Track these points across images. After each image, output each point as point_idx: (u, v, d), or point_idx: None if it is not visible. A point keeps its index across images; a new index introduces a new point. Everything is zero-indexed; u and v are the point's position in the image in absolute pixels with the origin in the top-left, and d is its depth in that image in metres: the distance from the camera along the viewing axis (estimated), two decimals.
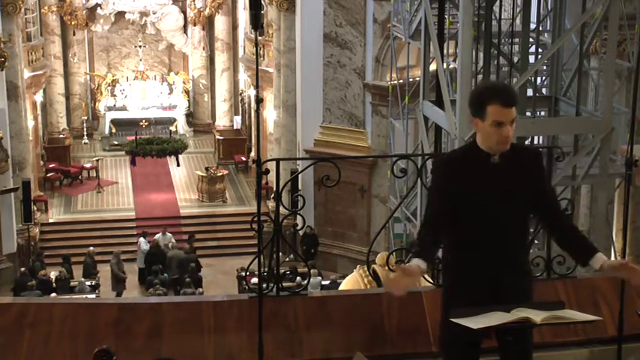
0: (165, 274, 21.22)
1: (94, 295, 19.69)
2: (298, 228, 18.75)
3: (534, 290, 4.43)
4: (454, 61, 14.64)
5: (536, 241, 6.96)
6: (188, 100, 34.65)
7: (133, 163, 28.87)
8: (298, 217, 5.52)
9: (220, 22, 33.58)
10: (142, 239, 22.98)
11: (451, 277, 4.37)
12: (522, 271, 4.30)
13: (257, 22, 4.68)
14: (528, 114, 14.39)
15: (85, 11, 32.48)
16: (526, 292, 4.30)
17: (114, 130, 33.30)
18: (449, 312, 4.26)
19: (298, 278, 13.65)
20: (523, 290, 4.28)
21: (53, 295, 18.85)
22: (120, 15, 33.54)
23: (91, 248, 22.59)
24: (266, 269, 5.27)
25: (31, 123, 26.53)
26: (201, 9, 33.17)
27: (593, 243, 4.28)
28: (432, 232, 4.23)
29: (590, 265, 4.15)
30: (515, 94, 4.18)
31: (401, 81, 18.62)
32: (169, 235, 23.77)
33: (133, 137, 29.36)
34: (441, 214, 4.20)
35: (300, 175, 19.93)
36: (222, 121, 34.18)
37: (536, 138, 14.88)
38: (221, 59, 33.92)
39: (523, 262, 4.32)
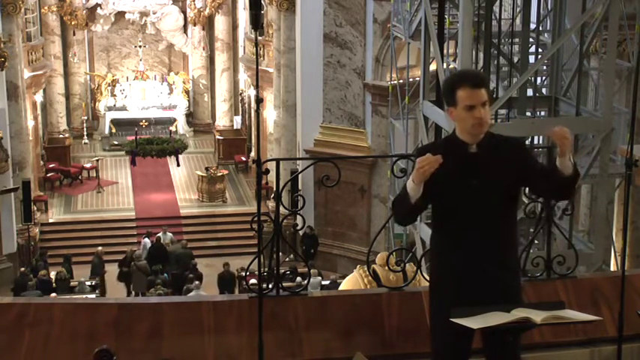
0: (166, 274, 21.22)
1: (94, 295, 19.69)
2: (298, 228, 18.76)
3: (522, 284, 4.44)
4: (454, 61, 14.64)
5: (536, 241, 6.95)
6: (188, 100, 34.67)
7: (133, 163, 28.88)
8: (298, 217, 5.52)
9: (220, 22, 33.58)
10: (146, 239, 22.99)
11: (436, 270, 4.39)
12: (508, 264, 4.28)
13: (257, 22, 4.67)
14: (528, 114, 14.39)
15: (85, 11, 32.48)
16: (513, 284, 4.30)
17: (114, 130, 33.32)
18: (437, 308, 4.30)
19: (298, 278, 13.65)
20: (509, 283, 4.27)
21: (53, 295, 18.85)
22: (120, 15, 33.55)
23: (100, 248, 22.51)
24: (266, 269, 5.27)
25: (31, 123, 26.54)
26: (201, 9, 33.17)
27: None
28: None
29: (560, 169, 4.09)
30: (484, 76, 4.29)
31: (401, 81, 18.61)
32: (170, 234, 23.78)
33: (133, 137, 29.37)
34: (419, 206, 4.22)
35: (300, 175, 19.93)
36: (222, 121, 34.19)
37: (536, 138, 14.88)
38: (221, 59, 33.93)
39: (508, 254, 4.30)
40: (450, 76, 4.36)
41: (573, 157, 4.14)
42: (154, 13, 33.48)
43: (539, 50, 15.20)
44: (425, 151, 4.48)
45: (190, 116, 34.84)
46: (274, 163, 5.79)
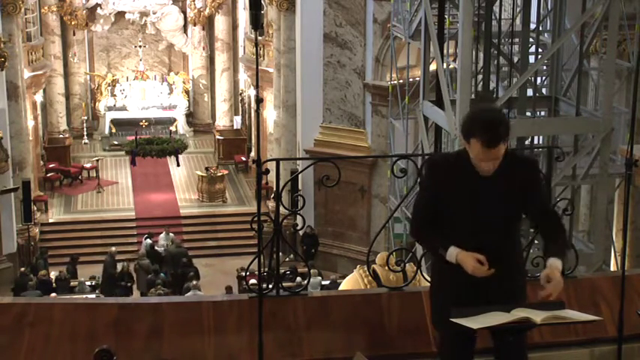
0: (163, 274, 21.21)
1: (94, 295, 19.69)
2: (298, 228, 18.76)
3: (526, 291, 4.43)
4: (454, 61, 14.64)
5: (536, 241, 6.96)
6: (188, 100, 34.67)
7: (133, 163, 28.88)
8: (298, 217, 5.52)
9: (220, 22, 33.58)
10: (148, 241, 22.98)
11: (438, 279, 4.40)
12: (512, 264, 4.28)
13: (257, 22, 4.67)
14: (528, 114, 14.40)
15: (85, 11, 32.48)
16: (516, 293, 4.30)
17: (114, 130, 33.32)
18: (440, 308, 4.30)
19: (298, 278, 13.67)
20: (512, 292, 4.28)
21: (53, 295, 18.85)
22: (120, 15, 33.55)
23: (113, 248, 22.44)
24: (266, 269, 5.27)
25: (31, 123, 26.53)
26: (201, 9, 33.17)
27: (560, 246, 4.19)
28: (425, 228, 4.31)
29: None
30: (501, 133, 3.99)
31: (401, 81, 18.61)
32: (172, 235, 23.77)
33: (133, 137, 29.37)
34: (426, 220, 4.28)
35: (300, 175, 19.92)
36: (222, 121, 34.19)
37: (536, 138, 14.89)
38: (221, 59, 33.93)
39: (513, 254, 4.30)
40: (469, 118, 4.11)
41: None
42: (154, 13, 33.48)
43: (539, 50, 15.19)
44: (437, 165, 4.37)
45: (190, 116, 34.84)
46: (274, 163, 5.78)
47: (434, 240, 4.26)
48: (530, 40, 15.10)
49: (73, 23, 32.23)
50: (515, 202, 4.20)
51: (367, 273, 8.39)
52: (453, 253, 4.13)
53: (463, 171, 4.15)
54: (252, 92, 31.10)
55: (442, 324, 4.23)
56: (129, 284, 21.12)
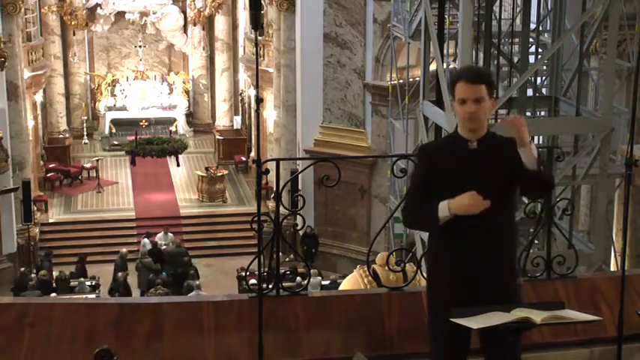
0: (164, 273, 21.20)
1: (94, 295, 19.68)
2: (298, 228, 18.75)
3: (520, 283, 4.41)
4: (454, 61, 14.64)
5: (536, 241, 6.96)
6: (188, 100, 34.68)
7: (133, 163, 28.87)
8: (298, 217, 5.51)
9: (220, 22, 33.59)
10: (146, 240, 22.98)
11: (433, 268, 4.39)
12: (505, 262, 4.26)
13: (257, 22, 4.67)
14: (528, 114, 14.40)
15: (85, 11, 32.49)
16: (509, 283, 4.28)
17: (114, 130, 33.33)
18: (433, 306, 4.31)
19: (298, 278, 13.64)
20: (505, 282, 4.26)
21: (53, 295, 18.84)
22: (120, 15, 33.56)
23: (124, 250, 22.41)
24: (266, 269, 5.27)
25: (31, 123, 26.53)
26: (201, 9, 33.17)
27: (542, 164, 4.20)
28: (416, 210, 4.33)
29: (525, 163, 4.10)
30: (485, 73, 4.32)
31: (401, 81, 18.62)
32: (171, 235, 23.76)
33: (133, 137, 29.36)
34: (417, 206, 4.30)
35: (300, 175, 19.92)
36: (222, 121, 34.20)
37: (536, 138, 14.89)
38: (221, 59, 33.93)
39: (506, 251, 4.29)
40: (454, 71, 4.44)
41: (537, 152, 4.13)
42: (154, 13, 33.48)
43: (539, 50, 15.20)
44: (428, 148, 4.52)
45: (190, 116, 34.84)
46: (274, 163, 5.77)
47: (424, 212, 4.24)
48: (530, 40, 15.10)
49: (73, 23, 32.24)
50: (506, 170, 4.18)
51: (367, 273, 8.39)
52: (444, 205, 4.12)
53: (453, 146, 4.24)
54: (252, 92, 31.10)
55: (438, 323, 4.23)
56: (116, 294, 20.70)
